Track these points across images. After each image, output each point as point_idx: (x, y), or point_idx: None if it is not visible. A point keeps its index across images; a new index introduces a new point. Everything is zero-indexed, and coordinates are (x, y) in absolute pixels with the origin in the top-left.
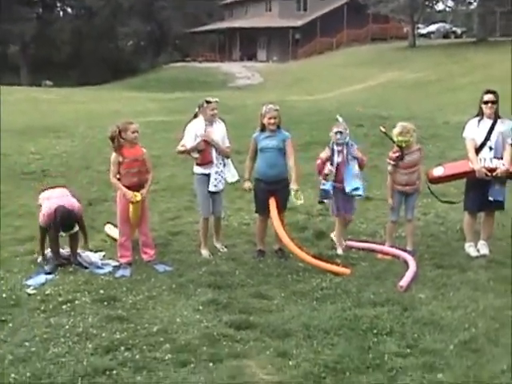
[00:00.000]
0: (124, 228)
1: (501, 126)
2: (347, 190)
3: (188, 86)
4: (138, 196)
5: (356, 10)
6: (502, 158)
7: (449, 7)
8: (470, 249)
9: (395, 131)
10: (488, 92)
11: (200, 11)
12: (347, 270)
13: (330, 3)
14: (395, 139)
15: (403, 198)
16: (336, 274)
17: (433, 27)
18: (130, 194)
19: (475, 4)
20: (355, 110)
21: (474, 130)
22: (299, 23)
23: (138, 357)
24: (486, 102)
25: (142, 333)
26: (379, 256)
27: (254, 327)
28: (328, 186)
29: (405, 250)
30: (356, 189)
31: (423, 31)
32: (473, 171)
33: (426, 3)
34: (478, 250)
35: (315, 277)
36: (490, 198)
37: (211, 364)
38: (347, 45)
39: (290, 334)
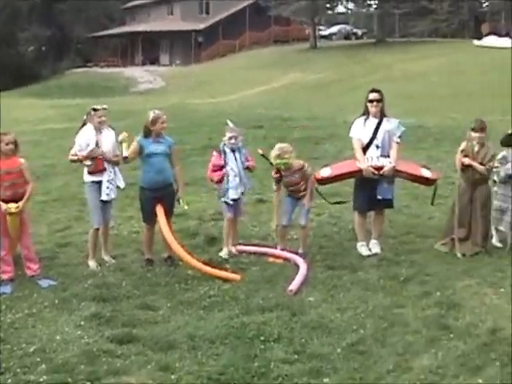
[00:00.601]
0: (3, 242)
1: (387, 125)
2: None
3: (90, 92)
4: (13, 208)
5: (258, 12)
6: (388, 156)
7: (350, 9)
8: (362, 248)
9: (272, 153)
10: (373, 91)
11: (102, 15)
12: (237, 276)
13: (232, 6)
14: (273, 162)
15: (295, 202)
16: (225, 280)
17: (334, 29)
18: (3, 206)
19: (375, 6)
20: (256, 112)
21: (361, 129)
22: (201, 26)
23: (10, 381)
24: (371, 101)
25: (18, 354)
26: (270, 260)
27: (136, 341)
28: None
29: (296, 253)
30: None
31: (325, 33)
32: (360, 170)
33: (327, 5)
34: (370, 249)
35: (204, 284)
36: (379, 197)
37: (88, 383)
38: (250, 47)
39: (174, 346)
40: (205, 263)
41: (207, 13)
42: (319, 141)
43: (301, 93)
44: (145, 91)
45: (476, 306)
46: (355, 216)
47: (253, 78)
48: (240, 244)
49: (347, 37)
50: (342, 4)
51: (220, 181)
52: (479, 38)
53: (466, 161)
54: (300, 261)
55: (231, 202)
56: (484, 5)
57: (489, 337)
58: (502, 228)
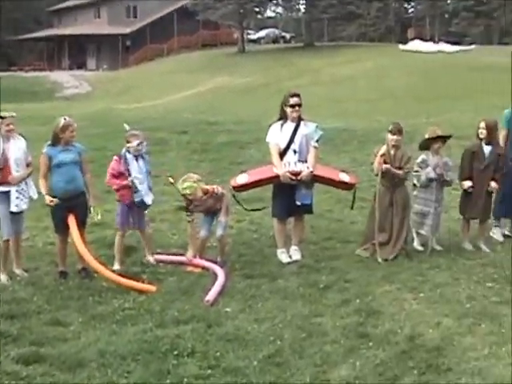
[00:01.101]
0: None
1: (304, 129)
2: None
3: (14, 97)
4: None
5: (186, 16)
6: (306, 161)
7: (279, 14)
8: (282, 255)
9: (178, 184)
10: (293, 95)
11: (27, 18)
12: (152, 287)
13: (161, 10)
14: (180, 189)
15: (212, 217)
16: (141, 291)
17: (262, 33)
18: None
19: (303, 11)
20: (183, 116)
21: (278, 134)
22: (129, 30)
23: None
24: (293, 106)
25: None
26: (188, 269)
27: (43, 360)
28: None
29: (215, 262)
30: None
31: (253, 37)
32: (278, 176)
33: (256, 10)
34: (290, 256)
35: (118, 297)
36: (298, 203)
37: None
38: (178, 51)
39: (83, 365)
40: (120, 275)
41: (135, 16)
42: (244, 145)
43: (228, 97)
44: (70, 96)
45: (395, 313)
46: (274, 223)
47: (180, 82)
48: (158, 253)
49: (275, 41)
50: (270, 9)
51: (118, 190)
52: (405, 43)
53: (384, 167)
54: (218, 270)
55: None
56: (410, 11)
57: (407, 344)
58: (423, 232)
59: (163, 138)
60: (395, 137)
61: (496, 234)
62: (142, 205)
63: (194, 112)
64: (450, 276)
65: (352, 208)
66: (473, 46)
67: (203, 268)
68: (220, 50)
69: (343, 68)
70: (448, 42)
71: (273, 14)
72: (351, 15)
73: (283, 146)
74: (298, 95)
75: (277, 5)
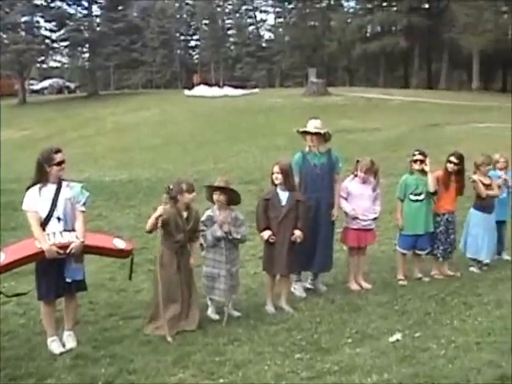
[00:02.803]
0: None
1: (67, 192)
2: None
3: None
4: None
5: None
6: (74, 230)
7: (64, 63)
8: (53, 344)
9: None
10: (58, 151)
11: None
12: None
13: None
14: None
15: None
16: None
17: (46, 83)
18: None
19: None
20: None
21: (36, 200)
22: None
23: None
24: (59, 163)
25: None
26: None
27: None
28: None
29: None
30: None
31: (36, 87)
32: (42, 251)
33: (38, 59)
34: (64, 344)
35: None
36: (68, 280)
37: None
38: None
39: None
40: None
41: None
42: (20, 207)
43: (6, 152)
44: None
45: None
46: (42, 306)
47: None
48: None
49: (60, 91)
50: (53, 58)
51: None
52: (190, 88)
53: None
54: None
55: None
56: (195, 57)
57: None
58: (216, 297)
59: None
60: (191, 195)
61: (298, 289)
62: None
63: None
64: (252, 351)
65: (130, 278)
66: (257, 90)
67: None
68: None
69: (128, 116)
70: (233, 86)
71: (58, 64)
72: (136, 62)
73: (44, 213)
74: (61, 150)
75: (60, 53)
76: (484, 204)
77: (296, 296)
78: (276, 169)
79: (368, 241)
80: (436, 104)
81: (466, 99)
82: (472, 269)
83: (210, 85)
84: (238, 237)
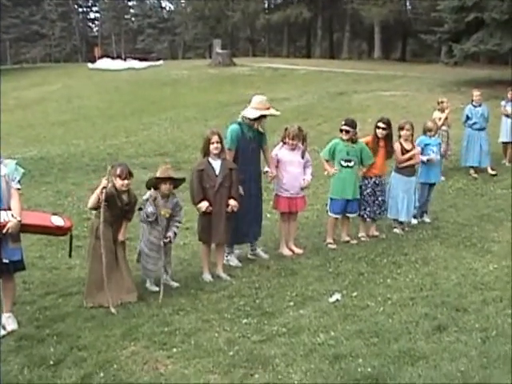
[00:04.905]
0: None
1: (1, 169)
2: None
3: None
4: None
5: None
6: (9, 209)
7: None
8: None
9: None
10: None
11: None
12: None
13: None
14: None
15: None
16: None
17: None
18: None
19: None
20: None
21: None
22: None
23: None
24: None
25: None
26: None
27: None
28: None
29: None
30: None
31: None
32: None
33: None
34: (4, 327)
35: None
36: (5, 260)
37: None
38: None
39: None
40: None
41: None
42: None
43: None
44: None
45: (153, 380)
46: None
47: None
48: None
49: None
50: None
51: None
52: (93, 62)
53: None
54: None
55: None
56: (95, 29)
57: None
58: (153, 268)
59: None
60: (125, 181)
61: (232, 260)
62: None
63: None
64: (199, 319)
65: (70, 256)
66: (161, 62)
67: None
68: None
69: (31, 91)
70: (136, 59)
71: None
72: (36, 36)
73: None
74: None
75: None
76: (403, 167)
77: (231, 266)
78: (216, 138)
79: (298, 207)
80: (341, 73)
81: (369, 68)
82: (396, 230)
83: (113, 58)
84: (177, 224)
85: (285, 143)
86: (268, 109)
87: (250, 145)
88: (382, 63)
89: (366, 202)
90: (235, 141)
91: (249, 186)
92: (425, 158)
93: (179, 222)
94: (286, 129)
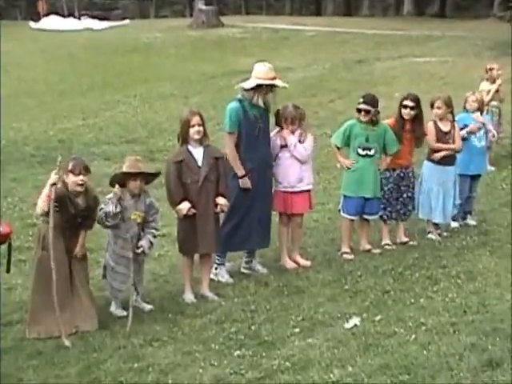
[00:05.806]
0: None
1: None
2: None
3: None
4: None
5: None
6: None
7: None
8: None
9: None
10: None
11: None
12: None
13: None
14: None
15: None
16: None
17: None
18: None
19: None
20: None
21: None
22: None
23: None
24: None
25: None
26: None
27: None
28: None
29: None
30: None
31: None
32: None
33: None
34: None
35: None
36: None
37: None
38: None
39: None
40: None
41: None
42: None
43: None
44: None
45: None
46: None
47: None
48: None
49: None
50: None
51: None
52: (37, 20)
53: None
54: None
55: None
56: None
57: None
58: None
59: None
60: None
61: (221, 274)
62: None
63: None
64: (178, 351)
65: (8, 271)
66: (127, 21)
67: None
68: None
69: None
70: (94, 18)
71: None
72: None
73: None
74: None
75: None
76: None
77: (221, 281)
78: (197, 119)
79: (297, 207)
80: (360, 34)
81: (397, 28)
82: (431, 236)
83: (63, 15)
84: (152, 231)
85: (282, 128)
86: (272, 79)
87: (256, 125)
88: (414, 21)
89: (386, 200)
90: (236, 122)
91: (255, 178)
92: (464, 131)
93: (155, 229)
94: (277, 112)
